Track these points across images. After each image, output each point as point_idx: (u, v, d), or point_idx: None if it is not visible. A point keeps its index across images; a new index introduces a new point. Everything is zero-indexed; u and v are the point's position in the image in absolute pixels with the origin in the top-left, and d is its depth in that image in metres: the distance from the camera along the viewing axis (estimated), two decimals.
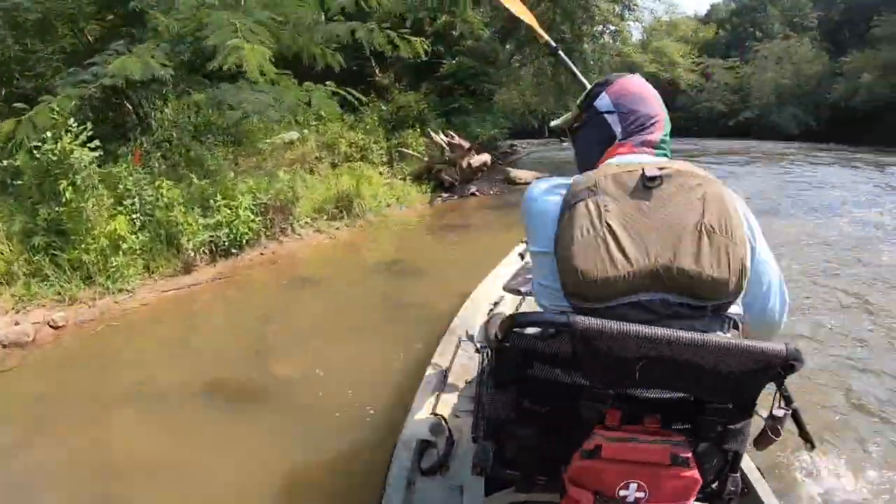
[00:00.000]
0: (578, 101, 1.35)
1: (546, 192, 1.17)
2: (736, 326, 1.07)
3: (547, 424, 1.05)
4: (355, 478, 2.43)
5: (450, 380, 2.05)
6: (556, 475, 1.06)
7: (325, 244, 7.55)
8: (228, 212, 6.43)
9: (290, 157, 9.47)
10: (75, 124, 5.59)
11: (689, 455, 0.97)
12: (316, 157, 9.89)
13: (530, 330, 1.04)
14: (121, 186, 5.94)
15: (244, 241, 6.56)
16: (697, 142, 25.22)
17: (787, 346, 0.94)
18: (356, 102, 8.37)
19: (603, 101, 1.28)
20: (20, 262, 5.35)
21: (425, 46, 8.70)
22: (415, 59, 9.18)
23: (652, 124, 1.24)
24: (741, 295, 1.05)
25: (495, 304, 2.75)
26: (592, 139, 1.30)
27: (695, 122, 31.95)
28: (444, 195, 10.26)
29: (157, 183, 6.10)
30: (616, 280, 0.99)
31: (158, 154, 6.91)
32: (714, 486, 1.08)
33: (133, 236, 5.86)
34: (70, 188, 5.35)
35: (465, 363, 2.19)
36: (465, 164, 10.16)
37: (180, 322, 5.16)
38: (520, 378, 1.04)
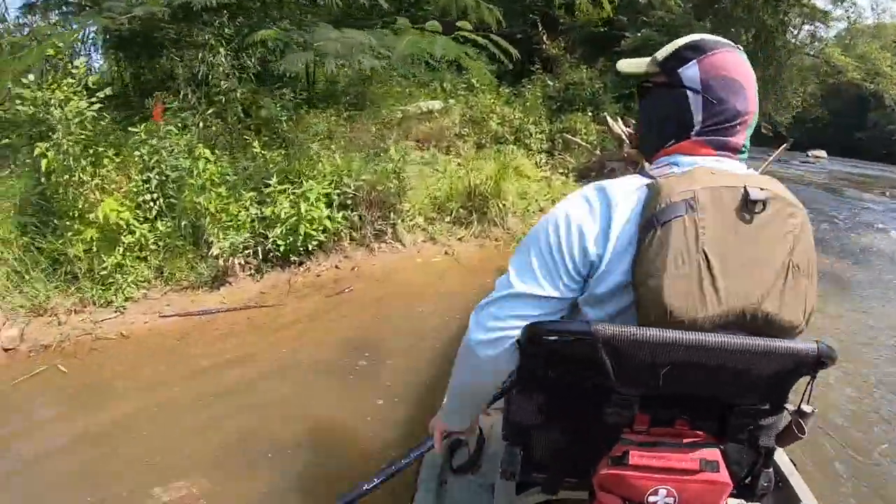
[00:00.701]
0: (661, 56, 1.06)
1: (607, 194, 0.94)
2: None
3: (574, 428, 1.02)
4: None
5: None
6: (585, 476, 1.00)
7: (438, 262, 5.02)
8: (287, 204, 4.25)
9: (425, 131, 7.22)
10: (82, 62, 3.78)
11: (719, 459, 0.93)
12: (457, 135, 7.55)
13: None
14: (138, 153, 4.03)
15: (309, 246, 4.35)
16: (886, 168, 20.33)
17: (819, 344, 0.89)
18: (503, 58, 6.16)
19: (690, 73, 1.00)
20: (6, 245, 3.66)
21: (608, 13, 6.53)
22: (595, 26, 7.03)
23: (740, 123, 1.00)
24: None
25: None
26: (664, 114, 1.05)
27: (886, 144, 26.84)
28: None
29: (195, 151, 4.10)
30: (704, 321, 0.87)
31: (209, 111, 4.90)
32: (747, 481, 1.05)
33: (145, 226, 3.91)
34: (49, 152, 3.50)
35: None
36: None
37: (146, 391, 2.96)
38: (544, 382, 1.00)
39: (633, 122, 7.85)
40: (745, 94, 0.99)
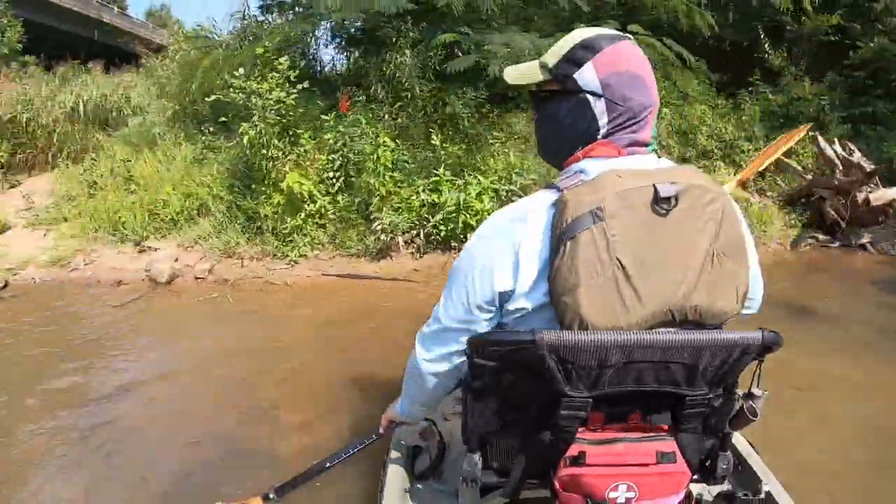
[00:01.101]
0: (551, 62, 0.99)
1: (515, 220, 0.94)
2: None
3: (530, 432, 1.00)
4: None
5: None
6: (545, 477, 1.01)
7: None
8: (452, 193, 4.59)
9: None
10: (286, 62, 4.59)
11: (674, 450, 0.94)
12: (662, 145, 7.29)
13: None
14: (328, 136, 4.72)
15: (467, 234, 4.65)
16: None
17: (763, 332, 0.91)
18: (682, 61, 6.04)
19: (587, 76, 0.95)
20: (216, 201, 4.66)
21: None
22: (824, 34, 7.15)
23: (644, 117, 0.97)
24: None
25: None
26: (566, 123, 1.00)
27: None
28: (819, 237, 6.34)
29: (378, 139, 4.67)
30: (627, 326, 0.87)
31: (395, 105, 5.43)
32: (707, 465, 1.08)
33: (327, 198, 4.59)
34: (250, 131, 4.35)
35: None
36: (861, 197, 6.07)
37: (290, 326, 3.53)
38: (497, 389, 1.01)
39: (853, 147, 6.78)
40: (645, 84, 0.95)
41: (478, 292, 0.96)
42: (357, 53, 6.56)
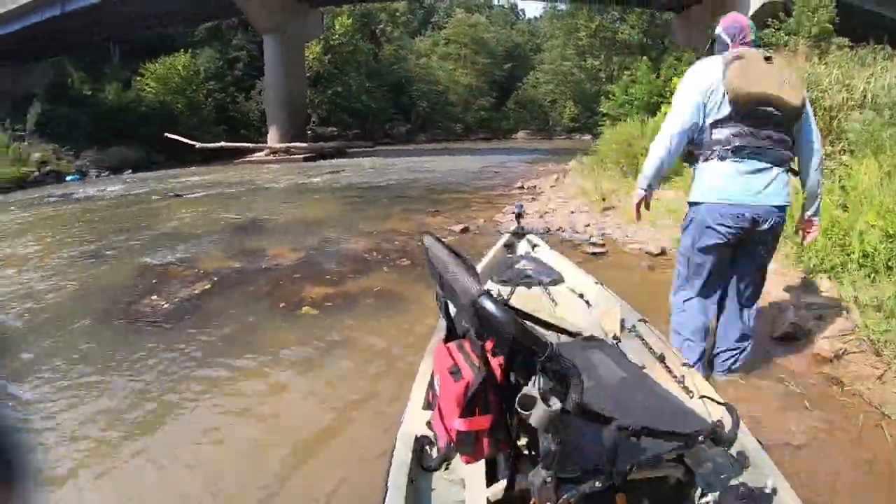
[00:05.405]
0: (713, 33, 2.60)
1: (706, 66, 2.39)
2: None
3: None
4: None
5: None
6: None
7: None
8: None
9: None
10: None
11: None
12: None
13: None
14: None
15: None
16: None
17: None
18: None
19: (718, 30, 2.54)
20: None
21: None
22: None
23: (745, 34, 2.47)
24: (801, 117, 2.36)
25: None
26: (721, 47, 2.51)
27: None
28: None
29: None
30: (752, 94, 2.25)
31: None
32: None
33: None
34: None
35: None
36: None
37: None
38: None
39: None
40: (739, 23, 2.52)
41: (692, 96, 2.38)
42: None
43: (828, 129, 6.25)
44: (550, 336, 1.57)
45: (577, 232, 6.35)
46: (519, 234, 3.44)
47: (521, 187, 10.73)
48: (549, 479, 1.08)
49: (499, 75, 47.95)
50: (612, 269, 4.71)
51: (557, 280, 2.75)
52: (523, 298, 2.56)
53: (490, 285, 2.67)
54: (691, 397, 1.65)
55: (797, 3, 11.85)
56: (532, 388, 1.03)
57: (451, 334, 1.47)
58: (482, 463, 1.32)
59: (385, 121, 36.17)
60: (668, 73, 13.62)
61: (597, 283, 2.68)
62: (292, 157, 21.80)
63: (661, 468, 1.35)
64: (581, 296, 2.59)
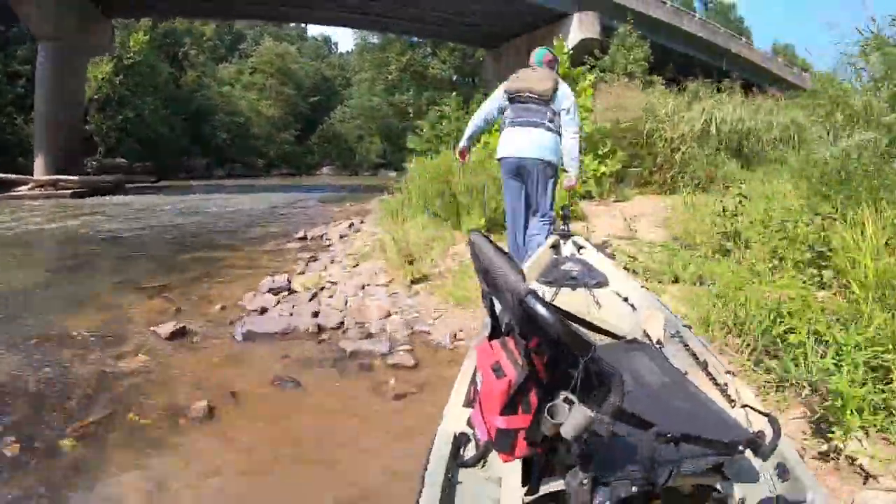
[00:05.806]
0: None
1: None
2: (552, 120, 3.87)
3: None
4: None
5: None
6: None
7: None
8: None
9: None
10: None
11: None
12: None
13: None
14: None
15: None
16: None
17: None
18: None
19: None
20: None
21: None
22: None
23: (532, 61, 4.20)
24: (553, 100, 3.86)
25: None
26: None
27: None
28: None
29: None
30: (520, 89, 3.94)
31: None
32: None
33: None
34: None
35: None
36: None
37: None
38: None
39: None
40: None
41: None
42: None
43: (670, 162, 7.12)
44: (594, 338, 1.37)
45: (368, 333, 3.90)
46: (565, 235, 3.47)
47: (304, 237, 8.53)
48: (585, 482, 1.09)
49: (304, 107, 47.41)
50: (427, 405, 2.80)
51: (602, 283, 2.74)
52: (568, 299, 2.61)
53: (535, 286, 2.63)
54: (733, 406, 1.59)
55: (613, 42, 12.82)
56: (569, 393, 1.02)
57: (495, 332, 1.46)
58: (519, 462, 1.30)
59: (182, 153, 32.67)
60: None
61: (641, 286, 2.70)
62: (59, 192, 18.14)
63: (699, 476, 1.28)
64: (625, 299, 2.58)
